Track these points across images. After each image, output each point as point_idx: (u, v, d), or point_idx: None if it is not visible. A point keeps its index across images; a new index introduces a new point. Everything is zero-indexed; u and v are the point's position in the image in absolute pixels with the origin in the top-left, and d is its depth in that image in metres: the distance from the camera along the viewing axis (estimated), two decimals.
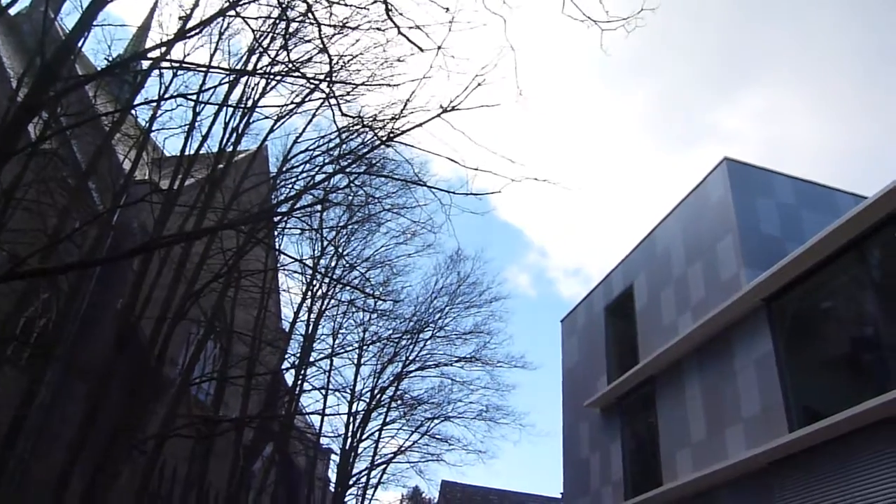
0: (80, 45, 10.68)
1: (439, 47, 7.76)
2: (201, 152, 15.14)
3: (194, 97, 12.91)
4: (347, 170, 13.61)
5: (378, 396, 28.05)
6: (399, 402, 29.10)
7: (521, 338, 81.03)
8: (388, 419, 29.03)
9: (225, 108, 14.74)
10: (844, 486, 10.51)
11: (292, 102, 14.89)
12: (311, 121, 20.50)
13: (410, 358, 28.47)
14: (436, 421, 29.54)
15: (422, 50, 7.61)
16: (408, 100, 10.65)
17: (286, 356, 22.34)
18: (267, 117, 16.34)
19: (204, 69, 12.02)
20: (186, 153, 14.62)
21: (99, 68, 13.52)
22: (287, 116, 15.64)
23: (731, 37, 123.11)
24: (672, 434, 15.35)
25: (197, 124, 14.50)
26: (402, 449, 29.75)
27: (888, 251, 11.35)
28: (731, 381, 13.76)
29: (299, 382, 22.31)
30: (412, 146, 10.81)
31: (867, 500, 10.01)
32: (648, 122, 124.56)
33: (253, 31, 11.87)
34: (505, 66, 16.32)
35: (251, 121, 15.85)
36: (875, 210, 10.85)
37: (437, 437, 29.71)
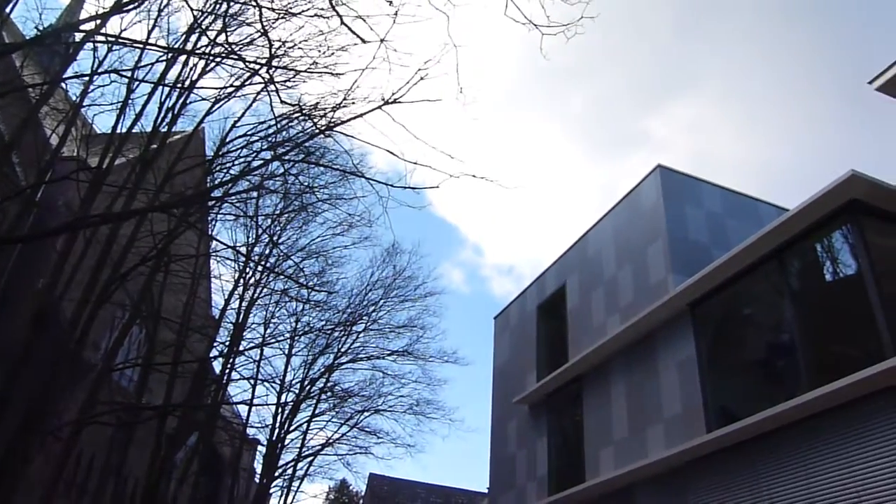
0: (7, 11, 10.23)
1: (382, 39, 7.75)
2: (134, 131, 14.66)
3: (129, 73, 12.49)
4: (285, 157, 13.42)
5: (308, 387, 27.79)
6: (329, 393, 28.90)
7: (454, 333, 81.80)
8: (317, 411, 28.79)
9: (161, 86, 14.32)
10: (755, 486, 10.97)
11: (231, 86, 14.56)
12: (250, 106, 20.12)
13: (342, 350, 28.30)
14: (365, 414, 29.48)
15: (364, 41, 7.58)
16: (349, 90, 10.58)
17: (215, 344, 21.91)
18: (204, 99, 15.93)
19: (140, 45, 11.68)
20: (118, 131, 14.14)
21: (28, 37, 12.95)
22: (225, 100, 15.27)
23: (664, 49, 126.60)
24: (596, 432, 15.73)
25: (130, 102, 14.02)
26: (331, 441, 29.59)
27: (806, 262, 11.91)
28: (654, 382, 14.19)
29: (227, 371, 21.91)
30: (352, 137, 10.76)
31: (775, 501, 10.49)
32: (583, 126, 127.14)
33: (192, 9, 11.59)
34: (447, 63, 16.37)
35: (188, 101, 15.41)
36: (795, 222, 11.36)
37: (366, 429, 29.66)
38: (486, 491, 23.39)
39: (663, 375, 13.97)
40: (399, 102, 9.51)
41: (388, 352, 29.11)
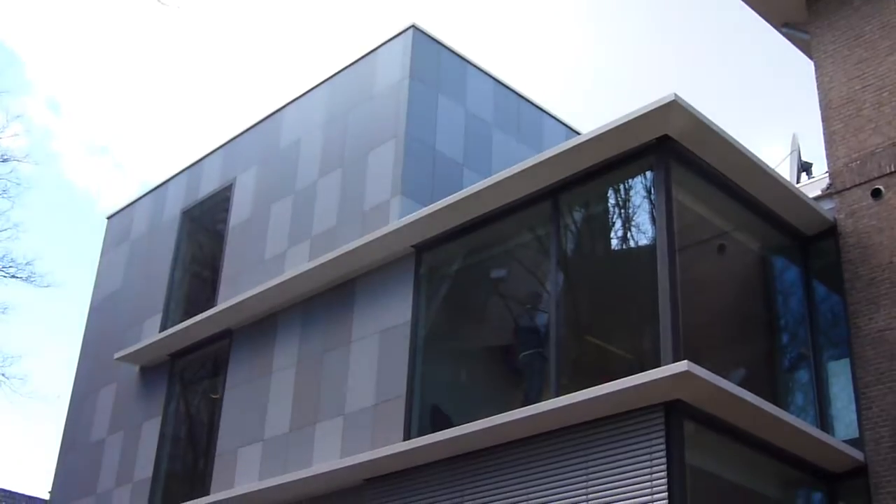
0: None
1: None
2: None
3: None
4: None
5: None
6: None
7: (33, 235, 76.40)
8: None
9: None
10: None
11: None
12: None
13: None
14: None
15: None
16: None
17: None
18: None
19: None
20: None
21: None
22: None
23: None
24: (241, 420, 15.78)
25: None
26: None
27: (589, 214, 12.93)
28: (341, 356, 14.46)
29: None
30: None
31: None
32: None
33: None
34: None
35: None
36: (585, 153, 11.91)
37: None
38: (48, 498, 22.76)
39: (357, 346, 14.32)
40: None
41: None
